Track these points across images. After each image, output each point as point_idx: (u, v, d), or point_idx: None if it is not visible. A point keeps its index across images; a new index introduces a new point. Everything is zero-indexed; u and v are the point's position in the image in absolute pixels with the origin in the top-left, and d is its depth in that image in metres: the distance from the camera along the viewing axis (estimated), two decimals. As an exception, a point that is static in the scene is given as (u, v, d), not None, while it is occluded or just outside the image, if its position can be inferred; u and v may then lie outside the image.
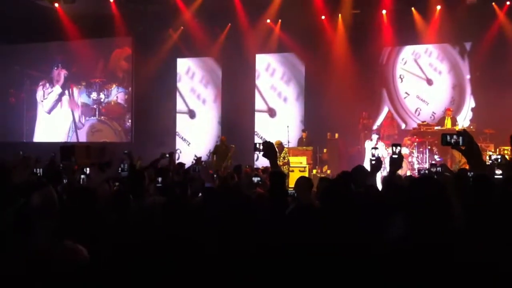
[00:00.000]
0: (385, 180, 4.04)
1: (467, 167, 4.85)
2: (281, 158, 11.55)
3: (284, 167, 11.59)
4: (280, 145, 11.71)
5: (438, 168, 5.81)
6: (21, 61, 17.74)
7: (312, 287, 2.34)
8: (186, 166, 8.01)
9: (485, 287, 2.14)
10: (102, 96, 17.36)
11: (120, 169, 4.60)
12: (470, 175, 3.44)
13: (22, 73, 18.01)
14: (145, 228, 3.04)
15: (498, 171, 4.32)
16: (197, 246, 2.66)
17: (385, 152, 10.37)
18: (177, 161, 10.47)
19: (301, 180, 4.65)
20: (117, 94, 17.18)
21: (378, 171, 3.97)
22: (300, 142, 13.65)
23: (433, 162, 7.97)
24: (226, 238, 2.69)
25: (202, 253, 2.59)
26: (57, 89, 17.60)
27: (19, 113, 17.98)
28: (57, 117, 17.61)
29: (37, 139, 17.51)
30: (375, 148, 4.14)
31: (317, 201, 3.99)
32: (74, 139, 17.12)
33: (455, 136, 3.21)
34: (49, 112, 17.76)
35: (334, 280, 2.33)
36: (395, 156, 3.73)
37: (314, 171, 12.77)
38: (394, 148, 3.74)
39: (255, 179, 5.44)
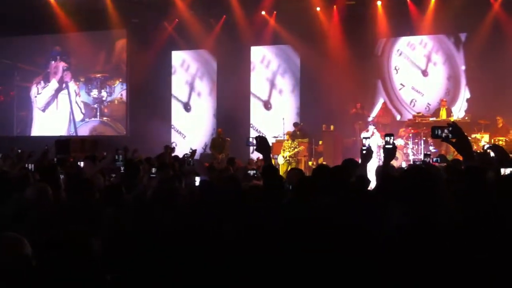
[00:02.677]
0: (378, 170, 4.03)
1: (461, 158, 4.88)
2: (292, 147, 12.29)
3: (294, 157, 11.93)
4: (292, 135, 12.72)
5: (436, 159, 5.84)
6: (11, 55, 16.63)
7: (309, 275, 2.35)
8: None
9: (477, 277, 2.16)
10: (104, 93, 15.93)
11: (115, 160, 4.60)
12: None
13: (12, 68, 16.79)
14: (137, 218, 3.05)
15: (492, 154, 4.36)
16: (194, 235, 2.66)
17: (380, 142, 10.40)
18: (172, 154, 10.45)
19: (292, 172, 4.75)
20: (121, 92, 15.96)
21: (368, 161, 3.96)
22: (295, 135, 13.65)
23: (427, 152, 7.98)
24: (222, 227, 2.69)
25: (199, 243, 2.60)
26: (53, 84, 16.54)
27: (8, 112, 16.71)
28: (54, 117, 16.42)
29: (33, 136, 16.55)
30: (367, 138, 4.13)
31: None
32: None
33: (445, 130, 3.22)
34: (44, 110, 16.50)
35: (333, 266, 2.35)
36: (389, 146, 3.72)
37: (310, 163, 12.80)
38: (387, 138, 3.72)
39: (251, 172, 5.47)
